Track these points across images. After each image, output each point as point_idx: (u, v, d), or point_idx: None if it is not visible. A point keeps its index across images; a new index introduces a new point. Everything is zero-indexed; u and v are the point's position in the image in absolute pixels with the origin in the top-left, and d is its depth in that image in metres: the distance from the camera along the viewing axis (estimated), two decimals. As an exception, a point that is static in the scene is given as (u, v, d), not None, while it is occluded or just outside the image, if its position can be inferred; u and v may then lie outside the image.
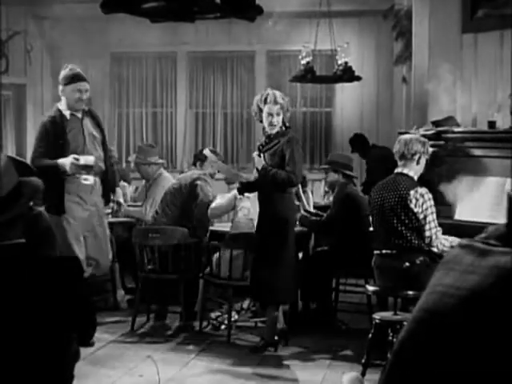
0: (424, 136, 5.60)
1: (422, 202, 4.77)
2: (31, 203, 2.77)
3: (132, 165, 7.61)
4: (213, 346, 5.68)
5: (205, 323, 6.09)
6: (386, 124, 9.51)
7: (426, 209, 4.77)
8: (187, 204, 6.37)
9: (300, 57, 7.65)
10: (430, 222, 4.77)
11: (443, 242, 4.80)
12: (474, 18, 5.98)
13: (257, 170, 5.48)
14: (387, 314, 4.72)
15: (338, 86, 9.53)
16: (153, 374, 4.61)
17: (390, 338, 4.53)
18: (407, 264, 4.67)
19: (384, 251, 4.83)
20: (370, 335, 4.69)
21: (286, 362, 5.28)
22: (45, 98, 10.40)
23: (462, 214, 5.37)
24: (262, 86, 10.06)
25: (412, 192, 4.79)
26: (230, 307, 5.79)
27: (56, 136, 5.58)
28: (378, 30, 9.65)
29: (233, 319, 5.95)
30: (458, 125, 5.85)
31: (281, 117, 5.41)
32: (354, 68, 7.72)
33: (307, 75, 7.64)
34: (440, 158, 5.61)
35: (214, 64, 10.28)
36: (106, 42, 10.08)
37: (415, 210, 4.77)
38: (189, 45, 10.07)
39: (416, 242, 4.79)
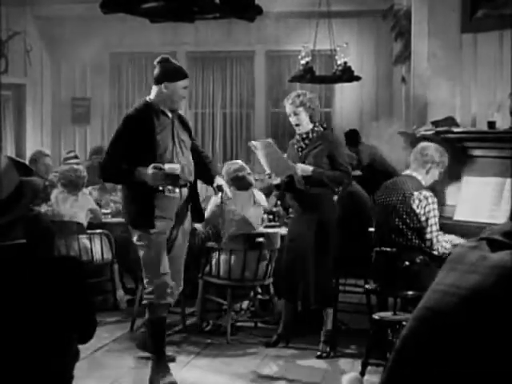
0: (424, 136, 5.61)
1: (425, 204, 4.78)
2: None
3: None
4: (213, 346, 5.68)
5: (204, 323, 6.09)
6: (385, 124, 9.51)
7: (429, 211, 4.78)
8: None
9: (299, 57, 7.65)
10: (431, 226, 4.78)
11: (444, 244, 4.80)
12: (474, 18, 5.98)
13: (293, 173, 5.35)
14: (387, 314, 4.72)
15: (338, 86, 9.54)
16: (152, 374, 4.60)
17: (390, 338, 4.53)
18: (407, 263, 4.67)
19: (384, 249, 4.83)
20: (370, 335, 4.69)
21: (285, 362, 5.28)
22: (44, 98, 10.40)
23: (462, 214, 5.37)
24: (262, 86, 10.08)
25: (416, 193, 4.81)
26: (230, 307, 5.79)
27: (142, 134, 4.63)
28: (377, 31, 9.66)
29: (232, 320, 5.96)
30: (457, 125, 5.85)
31: (302, 116, 5.40)
32: (353, 68, 7.72)
33: (306, 75, 7.64)
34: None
35: (214, 64, 10.28)
36: (106, 42, 10.07)
37: (417, 211, 4.78)
38: (188, 45, 10.08)
39: (416, 241, 4.80)
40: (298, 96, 5.43)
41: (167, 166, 4.53)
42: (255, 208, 5.99)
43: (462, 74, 6.05)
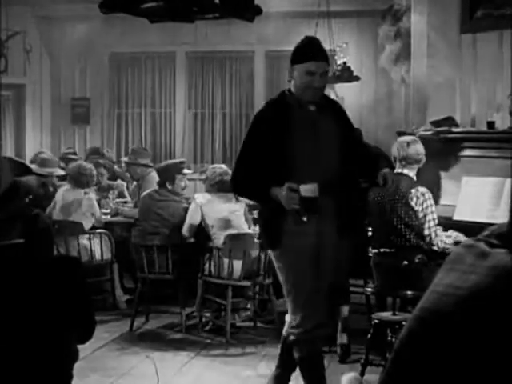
0: (424, 136, 5.61)
1: (422, 200, 4.80)
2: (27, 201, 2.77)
3: (123, 165, 7.84)
4: (212, 346, 5.68)
5: (204, 323, 6.09)
6: (384, 124, 9.51)
7: (426, 207, 4.79)
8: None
9: (299, 57, 7.64)
10: (429, 221, 4.79)
11: (444, 239, 4.81)
12: (473, 18, 5.98)
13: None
14: (386, 314, 4.72)
15: (337, 86, 9.53)
16: (152, 374, 4.61)
17: (389, 338, 4.54)
18: (405, 262, 4.67)
19: (382, 250, 4.84)
20: (369, 335, 4.69)
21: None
22: (44, 98, 10.40)
23: (462, 214, 5.37)
24: (261, 86, 10.07)
25: (413, 191, 4.82)
26: (230, 307, 5.79)
27: (275, 136, 3.79)
28: (376, 30, 9.65)
29: (232, 319, 5.96)
30: (457, 125, 5.85)
31: None
32: (352, 68, 7.72)
33: (306, 75, 7.63)
34: (440, 157, 5.61)
35: (213, 64, 10.28)
36: (106, 42, 10.07)
37: (416, 208, 4.79)
38: (188, 45, 10.07)
39: (415, 240, 4.81)
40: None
41: (302, 188, 3.67)
42: (236, 204, 6.02)
43: (461, 74, 6.05)
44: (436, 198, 5.18)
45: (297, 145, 3.77)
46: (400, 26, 7.95)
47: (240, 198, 6.04)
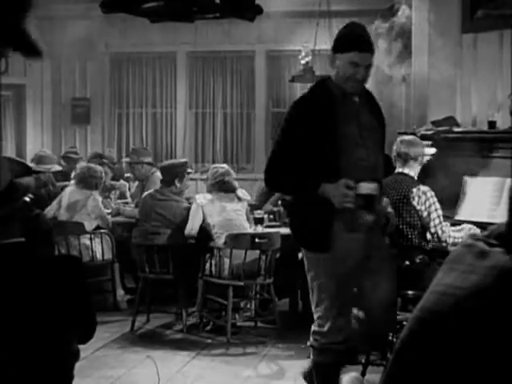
0: (424, 136, 5.61)
1: (424, 199, 4.79)
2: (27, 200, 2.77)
3: (124, 165, 7.82)
4: (213, 345, 5.68)
5: (204, 323, 6.09)
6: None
7: (430, 206, 4.78)
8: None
9: (299, 57, 7.65)
10: (434, 219, 4.77)
11: (453, 234, 4.79)
12: (474, 18, 5.98)
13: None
14: (387, 314, 4.71)
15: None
16: (153, 374, 4.61)
17: (390, 337, 4.53)
18: (407, 263, 4.67)
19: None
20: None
21: (285, 362, 5.28)
22: (44, 98, 10.40)
23: (462, 214, 5.37)
24: (262, 86, 10.07)
25: (415, 190, 4.81)
26: (230, 307, 5.79)
27: (319, 124, 3.50)
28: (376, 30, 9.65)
29: (233, 319, 5.96)
30: (457, 125, 5.85)
31: None
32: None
33: (307, 75, 7.64)
34: (440, 157, 5.61)
35: (214, 64, 10.28)
36: (106, 42, 10.08)
37: (418, 208, 4.78)
38: (188, 45, 10.07)
39: (416, 240, 4.80)
40: None
41: (361, 186, 3.43)
42: (238, 204, 6.02)
43: (462, 73, 6.05)
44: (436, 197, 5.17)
45: (341, 139, 3.50)
46: (394, 22, 7.91)
47: (242, 198, 6.04)
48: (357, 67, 3.53)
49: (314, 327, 3.69)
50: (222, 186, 5.98)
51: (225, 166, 6.34)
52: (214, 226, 5.91)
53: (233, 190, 6.02)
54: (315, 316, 3.65)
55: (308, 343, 3.75)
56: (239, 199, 6.01)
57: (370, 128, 3.64)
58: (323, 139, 3.47)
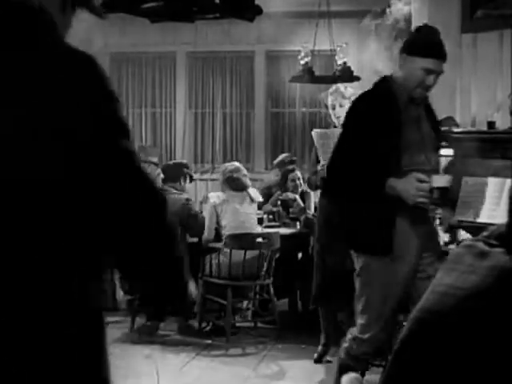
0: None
1: None
2: None
3: None
4: (213, 346, 5.68)
5: (204, 323, 6.09)
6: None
7: None
8: None
9: (299, 57, 7.65)
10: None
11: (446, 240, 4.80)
12: (474, 18, 5.98)
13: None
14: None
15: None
16: (152, 375, 4.60)
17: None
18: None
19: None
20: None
21: (285, 362, 5.28)
22: (44, 98, 10.40)
23: (462, 214, 5.36)
24: (262, 86, 10.07)
25: None
26: (230, 307, 5.79)
27: (386, 124, 3.39)
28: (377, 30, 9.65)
29: (232, 320, 5.96)
30: (457, 125, 5.85)
31: None
32: (352, 68, 7.72)
33: (306, 75, 7.64)
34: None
35: (214, 64, 10.28)
36: (106, 42, 10.07)
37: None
38: (188, 45, 10.07)
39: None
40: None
41: (437, 178, 3.33)
42: (250, 206, 6.01)
43: (462, 74, 6.04)
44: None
45: (405, 142, 3.39)
46: (384, 18, 7.88)
47: (254, 199, 6.02)
48: (429, 74, 3.44)
49: (353, 332, 3.57)
50: (232, 184, 5.95)
51: (235, 163, 6.31)
52: (225, 227, 5.88)
53: (243, 187, 5.99)
54: (358, 321, 3.52)
55: (344, 344, 3.64)
56: (252, 200, 5.99)
57: (429, 134, 3.58)
58: (388, 140, 3.37)
